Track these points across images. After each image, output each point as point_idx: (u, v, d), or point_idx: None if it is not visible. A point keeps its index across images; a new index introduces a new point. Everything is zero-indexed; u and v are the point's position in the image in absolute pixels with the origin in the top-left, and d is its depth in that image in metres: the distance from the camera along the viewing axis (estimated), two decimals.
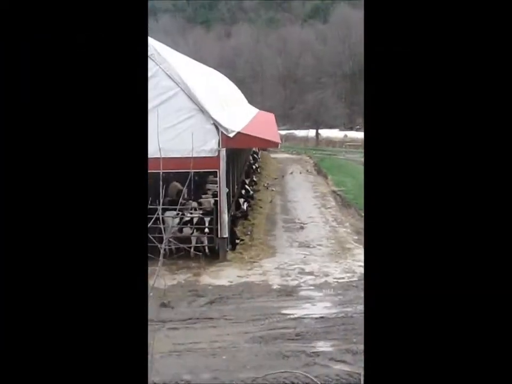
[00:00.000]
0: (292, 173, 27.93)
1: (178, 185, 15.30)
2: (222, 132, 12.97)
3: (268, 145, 19.41)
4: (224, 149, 13.10)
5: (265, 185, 23.54)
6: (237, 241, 14.10)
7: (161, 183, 4.61)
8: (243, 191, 18.82)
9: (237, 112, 19.65)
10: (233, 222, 14.93)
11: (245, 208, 16.92)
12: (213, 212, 13.22)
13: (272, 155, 35.85)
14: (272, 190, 22.63)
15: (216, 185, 14.58)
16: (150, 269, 3.67)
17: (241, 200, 17.14)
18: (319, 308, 10.04)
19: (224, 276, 12.01)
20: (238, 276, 11.95)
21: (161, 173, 4.73)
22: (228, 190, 13.86)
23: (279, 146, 19.10)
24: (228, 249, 13.40)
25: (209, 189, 16.77)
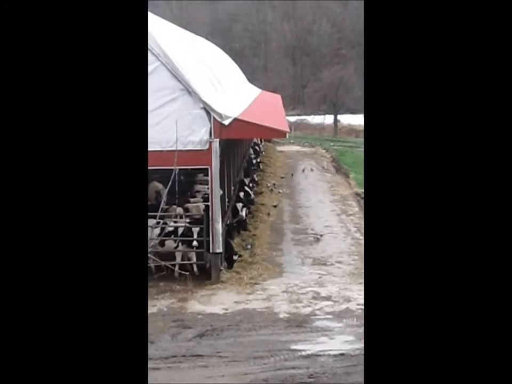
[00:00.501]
0: (303, 170, 28.03)
1: (159, 186, 15.34)
2: (214, 118, 12.99)
3: (273, 135, 19.46)
4: (218, 140, 13.12)
5: (270, 185, 23.60)
6: (234, 257, 14.12)
7: None
8: (241, 194, 18.87)
9: (234, 93, 19.71)
10: (228, 233, 14.96)
11: (244, 215, 16.96)
12: (203, 221, 13.25)
13: (279, 148, 35.93)
14: (279, 192, 22.70)
15: (207, 187, 14.62)
16: None
17: (239, 205, 17.17)
18: (339, 343, 10.06)
19: (218, 301, 12.05)
20: (235, 302, 11.98)
21: None
22: (222, 192, 13.89)
23: (287, 137, 19.14)
24: (222, 268, 13.43)
25: (198, 191, 16.81)
